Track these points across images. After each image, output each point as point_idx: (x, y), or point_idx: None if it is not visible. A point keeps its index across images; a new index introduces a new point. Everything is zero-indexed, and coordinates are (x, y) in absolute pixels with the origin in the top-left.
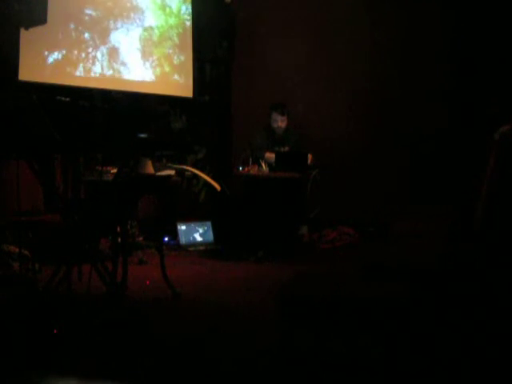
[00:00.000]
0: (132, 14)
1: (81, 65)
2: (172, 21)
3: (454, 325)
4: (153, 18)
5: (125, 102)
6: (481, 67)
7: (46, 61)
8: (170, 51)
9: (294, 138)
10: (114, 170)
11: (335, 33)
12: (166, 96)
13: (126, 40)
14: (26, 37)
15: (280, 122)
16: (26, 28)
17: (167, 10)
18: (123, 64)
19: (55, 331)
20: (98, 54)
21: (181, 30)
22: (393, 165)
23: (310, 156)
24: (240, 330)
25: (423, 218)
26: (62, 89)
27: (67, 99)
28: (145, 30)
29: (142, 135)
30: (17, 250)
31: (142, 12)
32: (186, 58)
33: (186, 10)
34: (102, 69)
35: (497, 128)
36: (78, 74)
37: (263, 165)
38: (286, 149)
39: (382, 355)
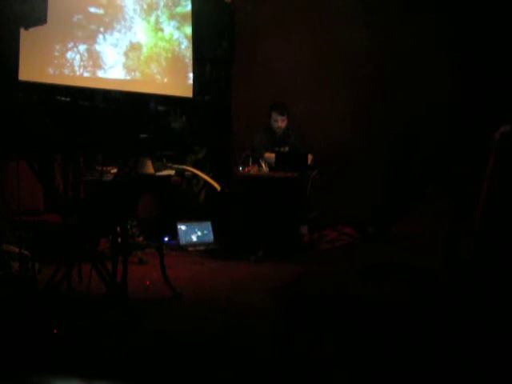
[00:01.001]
0: (123, 29)
1: (80, 65)
2: (162, 44)
3: (454, 324)
4: (144, 36)
5: (125, 102)
6: (481, 68)
7: (46, 61)
8: (155, 71)
9: (294, 138)
10: (114, 170)
11: (336, 33)
12: (166, 96)
13: (121, 47)
14: (26, 37)
15: (280, 122)
16: (26, 28)
17: (159, 33)
18: (121, 67)
19: (55, 331)
20: (98, 56)
21: (170, 55)
22: (393, 165)
23: (309, 156)
24: (240, 329)
25: (423, 218)
26: (61, 89)
27: (67, 99)
28: (132, 45)
29: (142, 135)
30: (17, 250)
31: (133, 29)
32: (168, 81)
33: (178, 37)
34: (101, 70)
35: (497, 128)
36: (78, 73)
37: (263, 165)
38: (286, 149)
39: (381, 355)
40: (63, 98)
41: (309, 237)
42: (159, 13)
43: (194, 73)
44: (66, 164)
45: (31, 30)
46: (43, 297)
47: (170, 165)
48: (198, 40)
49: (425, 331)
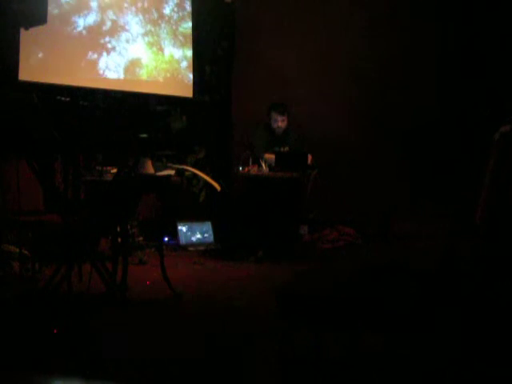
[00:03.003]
0: (125, 45)
1: (80, 65)
2: (162, 66)
3: (454, 324)
4: (145, 56)
5: (125, 102)
6: (481, 67)
7: (46, 61)
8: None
9: (294, 137)
10: (114, 170)
11: (335, 32)
12: (166, 96)
13: (124, 52)
14: (26, 37)
15: (280, 121)
16: (26, 28)
17: (159, 54)
18: (121, 66)
19: (55, 331)
20: (97, 56)
21: (168, 75)
22: (393, 165)
23: (309, 156)
24: (240, 329)
25: (423, 217)
26: (61, 89)
27: (67, 99)
28: (132, 61)
29: (142, 135)
30: (17, 250)
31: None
32: (168, 81)
33: (179, 58)
34: (102, 70)
35: (497, 128)
36: (78, 73)
37: (263, 165)
38: (286, 149)
39: (381, 355)
40: (63, 98)
41: (309, 237)
42: (162, 32)
43: (194, 73)
44: (66, 164)
45: (31, 29)
46: (43, 297)
47: (170, 165)
48: (198, 40)
49: (425, 331)
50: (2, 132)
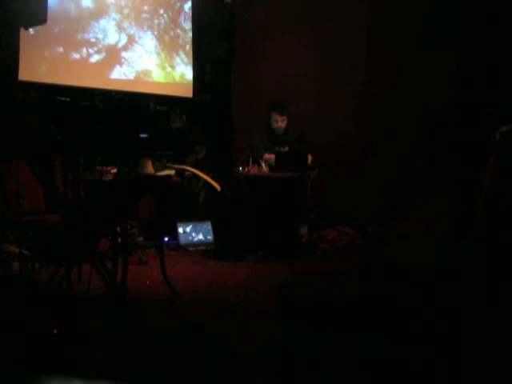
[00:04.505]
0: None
1: (81, 65)
2: (169, 79)
3: (454, 324)
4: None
5: (125, 102)
6: (481, 68)
7: (46, 61)
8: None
9: (294, 138)
10: (114, 170)
11: (336, 32)
12: (166, 96)
13: (127, 51)
14: (26, 37)
15: (280, 122)
16: (26, 28)
17: (168, 69)
18: (122, 68)
19: (55, 331)
20: (98, 56)
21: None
22: (392, 164)
23: (309, 156)
24: (240, 329)
25: (423, 217)
26: (61, 89)
27: (67, 99)
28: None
29: (142, 135)
30: (17, 250)
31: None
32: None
33: (188, 76)
34: (102, 70)
35: (497, 128)
36: (78, 73)
37: (263, 165)
38: (286, 149)
39: (381, 355)
40: (63, 98)
41: (309, 237)
42: (175, 51)
43: (193, 73)
44: (65, 164)
45: (31, 29)
46: (43, 297)
47: (169, 165)
48: (198, 40)
49: (424, 331)
50: (2, 132)
